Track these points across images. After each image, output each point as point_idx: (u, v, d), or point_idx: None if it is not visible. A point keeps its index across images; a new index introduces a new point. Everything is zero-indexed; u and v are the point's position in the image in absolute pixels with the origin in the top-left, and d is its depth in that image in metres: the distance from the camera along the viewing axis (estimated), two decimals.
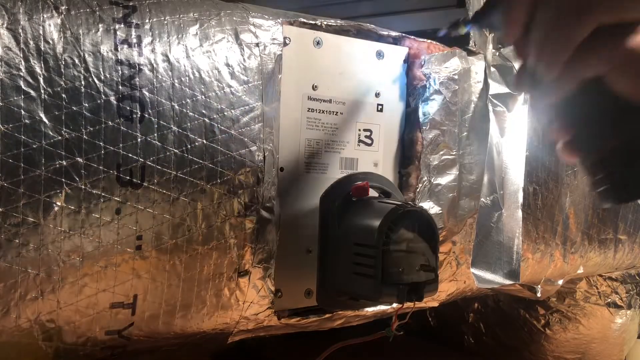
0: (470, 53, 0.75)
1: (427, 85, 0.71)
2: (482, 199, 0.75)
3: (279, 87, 0.60)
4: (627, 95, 0.38)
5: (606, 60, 0.38)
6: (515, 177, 0.74)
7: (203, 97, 0.53)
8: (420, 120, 0.71)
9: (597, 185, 0.42)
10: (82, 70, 0.48)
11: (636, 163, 0.40)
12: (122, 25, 0.51)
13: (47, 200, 0.46)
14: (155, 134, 0.50)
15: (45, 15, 0.47)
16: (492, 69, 0.75)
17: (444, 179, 0.72)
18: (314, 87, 0.65)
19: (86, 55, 0.48)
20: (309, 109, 0.65)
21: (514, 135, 0.74)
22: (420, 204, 0.69)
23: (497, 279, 0.77)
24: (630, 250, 0.99)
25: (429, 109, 0.71)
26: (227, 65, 0.55)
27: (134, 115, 0.50)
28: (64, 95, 0.47)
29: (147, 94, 0.50)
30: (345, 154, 0.68)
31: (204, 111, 0.53)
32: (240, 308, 0.58)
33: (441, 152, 0.71)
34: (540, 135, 0.77)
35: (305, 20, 0.63)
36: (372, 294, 0.56)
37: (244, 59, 0.56)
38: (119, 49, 0.50)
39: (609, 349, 1.06)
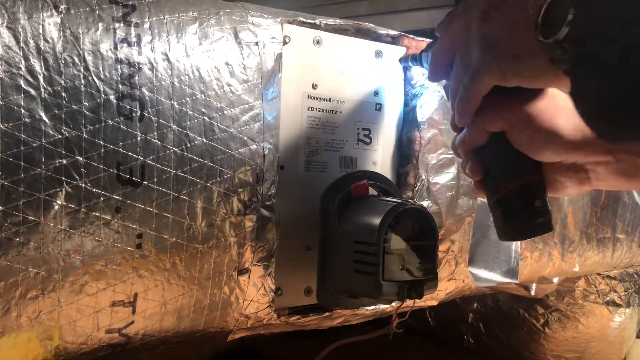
0: None
1: (426, 85, 0.71)
2: (480, 198, 0.75)
3: (278, 86, 0.60)
4: (523, 149, 0.45)
5: (506, 119, 0.44)
6: None
7: (202, 95, 0.53)
8: (419, 119, 0.71)
9: (496, 221, 0.48)
10: (82, 69, 0.48)
11: (528, 206, 0.46)
12: (122, 24, 0.51)
13: (47, 199, 0.46)
14: (155, 133, 0.50)
15: (44, 14, 0.47)
16: None
17: (442, 178, 0.72)
18: (314, 86, 0.65)
19: (86, 54, 0.48)
20: (309, 107, 0.65)
21: None
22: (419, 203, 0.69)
23: (495, 278, 0.77)
24: (628, 249, 1.00)
25: (427, 108, 0.71)
26: (227, 64, 0.55)
27: (134, 114, 0.50)
28: (63, 94, 0.47)
29: (146, 92, 0.50)
30: (344, 153, 0.68)
31: (203, 110, 0.53)
32: (240, 306, 0.58)
33: (439, 151, 0.72)
34: None
35: (304, 20, 0.63)
36: (373, 291, 0.56)
37: (243, 58, 0.56)
38: (118, 48, 0.50)
39: (608, 348, 1.06)
